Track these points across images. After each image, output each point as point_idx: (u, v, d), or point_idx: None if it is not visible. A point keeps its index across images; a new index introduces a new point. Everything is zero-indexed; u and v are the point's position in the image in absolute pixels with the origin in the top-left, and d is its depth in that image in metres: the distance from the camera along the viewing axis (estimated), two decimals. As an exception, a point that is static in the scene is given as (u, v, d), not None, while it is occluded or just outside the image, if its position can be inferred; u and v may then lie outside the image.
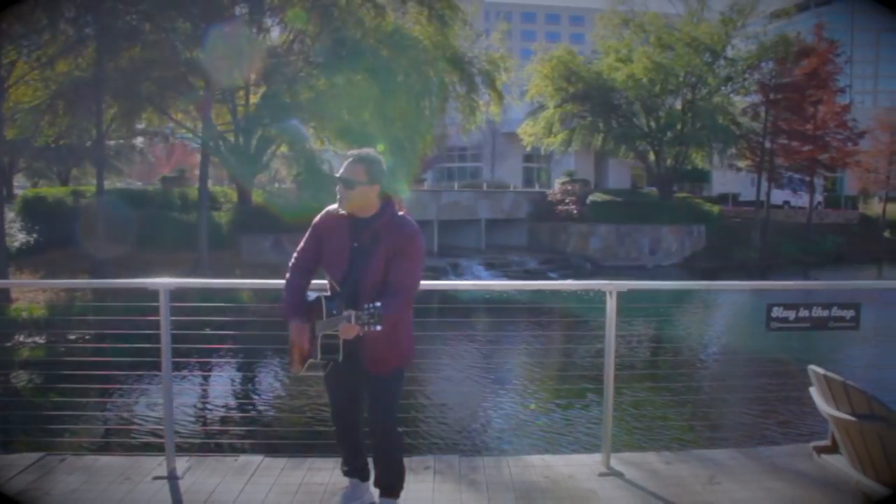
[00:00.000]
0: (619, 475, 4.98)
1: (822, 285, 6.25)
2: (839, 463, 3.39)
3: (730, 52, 41.41)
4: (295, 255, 4.29)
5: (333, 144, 29.13)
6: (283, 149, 28.47)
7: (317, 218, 4.23)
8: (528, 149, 46.50)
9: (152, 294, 5.01)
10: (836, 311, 5.30)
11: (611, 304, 5.05)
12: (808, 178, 45.42)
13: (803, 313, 5.26)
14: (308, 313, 4.11)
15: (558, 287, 6.41)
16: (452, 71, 30.01)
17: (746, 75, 42.03)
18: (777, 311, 5.23)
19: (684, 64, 39.88)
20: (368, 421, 4.13)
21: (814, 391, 3.45)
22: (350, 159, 4.04)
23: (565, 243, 38.16)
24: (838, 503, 4.53)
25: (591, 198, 39.23)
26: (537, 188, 49.08)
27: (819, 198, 50.64)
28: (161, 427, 6.19)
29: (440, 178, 61.11)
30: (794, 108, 42.26)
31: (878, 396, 3.17)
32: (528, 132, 43.10)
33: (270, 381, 12.97)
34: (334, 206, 4.18)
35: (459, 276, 32.34)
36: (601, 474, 5.00)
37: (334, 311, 3.90)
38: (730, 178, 51.01)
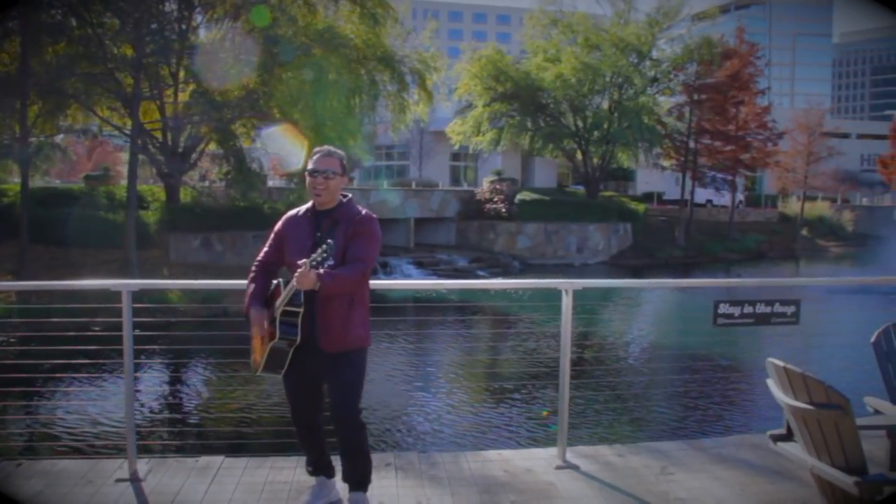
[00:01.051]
0: (576, 468, 5.12)
1: (774, 282, 6.49)
2: (794, 449, 3.57)
3: (655, 54, 42.26)
4: (258, 259, 4.41)
5: (264, 143, 28.84)
6: (213, 147, 28.08)
7: (279, 223, 4.39)
8: (457, 147, 46.74)
9: (103, 295, 4.98)
10: (777, 308, 5.55)
11: (566, 302, 5.19)
12: (730, 178, 46.60)
13: (748, 309, 5.50)
14: (268, 304, 4.22)
15: (515, 286, 6.50)
16: (383, 69, 29.96)
17: (672, 76, 42.96)
18: (723, 308, 5.45)
19: (611, 64, 40.50)
20: (332, 414, 4.18)
21: (771, 382, 3.62)
22: (323, 154, 4.22)
23: (493, 242, 38.33)
24: (784, 489, 4.79)
25: (518, 196, 39.59)
26: (465, 187, 49.36)
27: (740, 197, 52.02)
28: (119, 429, 6.12)
29: (366, 176, 61.03)
30: (717, 108, 43.42)
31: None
32: (456, 131, 43.24)
33: (229, 382, 12.87)
34: (294, 211, 4.36)
35: (389, 275, 32.36)
36: (558, 467, 5.13)
37: None
38: (654, 177, 51.99)
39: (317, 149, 4.27)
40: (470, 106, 43.25)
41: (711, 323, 5.41)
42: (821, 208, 54.43)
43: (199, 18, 27.46)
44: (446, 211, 39.46)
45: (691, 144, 44.53)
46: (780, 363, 3.41)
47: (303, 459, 4.88)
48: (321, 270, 3.78)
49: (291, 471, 4.97)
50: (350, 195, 4.32)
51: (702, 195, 48.55)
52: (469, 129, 42.71)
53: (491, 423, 10.36)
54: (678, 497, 4.68)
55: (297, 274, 3.80)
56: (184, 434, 7.13)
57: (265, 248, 4.39)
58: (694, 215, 45.32)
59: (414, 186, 42.09)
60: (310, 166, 4.18)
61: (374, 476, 4.53)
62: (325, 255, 3.72)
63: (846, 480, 3.15)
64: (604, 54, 41.10)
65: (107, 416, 9.90)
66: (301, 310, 4.04)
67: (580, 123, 42.43)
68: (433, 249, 37.22)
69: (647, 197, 51.01)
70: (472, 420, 10.54)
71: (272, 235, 4.38)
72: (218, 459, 5.15)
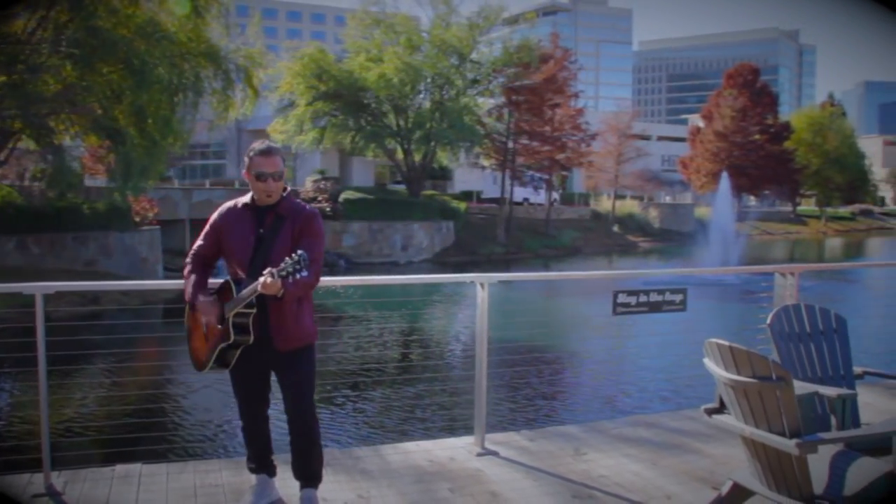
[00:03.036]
0: (495, 454, 5.31)
1: (665, 272, 6.92)
2: (729, 420, 3.92)
3: (476, 56, 43.27)
4: (192, 251, 4.30)
5: (84, 139, 27.41)
6: (28, 143, 26.41)
7: (215, 215, 4.27)
8: (279, 145, 46.04)
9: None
10: (668, 296, 5.97)
11: (482, 295, 5.37)
12: (547, 177, 48.44)
13: (643, 298, 5.88)
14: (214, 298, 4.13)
15: (429, 280, 6.55)
16: (208, 65, 29.15)
17: (491, 78, 44.13)
18: (622, 298, 5.80)
19: (433, 66, 41.18)
20: (288, 410, 4.16)
21: (708, 362, 3.93)
22: (262, 151, 4.11)
23: (320, 240, 38.16)
24: (687, 460, 5.20)
25: (343, 195, 39.58)
26: (288, 186, 48.71)
27: (555, 195, 54.15)
28: (27, 442, 5.75)
29: (181, 175, 59.15)
30: (534, 110, 45.07)
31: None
32: (278, 130, 42.54)
33: (140, 387, 12.32)
34: (232, 202, 4.27)
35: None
36: (479, 454, 5.30)
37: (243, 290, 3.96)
38: (472, 176, 53.27)
39: (256, 146, 4.14)
40: (292, 105, 42.73)
41: (611, 313, 5.74)
42: (630, 206, 57.58)
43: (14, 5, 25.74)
44: (271, 210, 38.79)
45: (510, 144, 45.95)
46: (725, 342, 3.72)
47: (224, 462, 4.81)
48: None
49: (216, 473, 4.87)
50: (288, 186, 4.26)
51: (519, 193, 50.14)
52: (291, 129, 42.15)
53: (392, 416, 10.46)
54: (600, 474, 4.97)
55: (262, 282, 3.71)
56: (92, 443, 6.75)
57: (200, 241, 4.28)
58: (513, 213, 46.77)
59: (237, 185, 41.22)
60: (256, 169, 4.06)
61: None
62: (297, 266, 3.65)
63: (788, 443, 3.50)
64: (425, 55, 41.74)
65: (13, 429, 9.31)
66: (253, 311, 3.98)
67: (402, 123, 42.83)
68: (259, 249, 36.59)
69: (466, 195, 52.13)
70: (373, 415, 10.58)
71: (208, 227, 4.25)
72: (136, 467, 4.96)
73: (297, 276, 3.66)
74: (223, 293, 4.09)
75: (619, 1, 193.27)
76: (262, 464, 4.41)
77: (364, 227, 38.45)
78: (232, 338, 3.96)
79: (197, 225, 35.35)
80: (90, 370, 12.92)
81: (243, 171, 4.16)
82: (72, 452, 5.16)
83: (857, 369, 4.93)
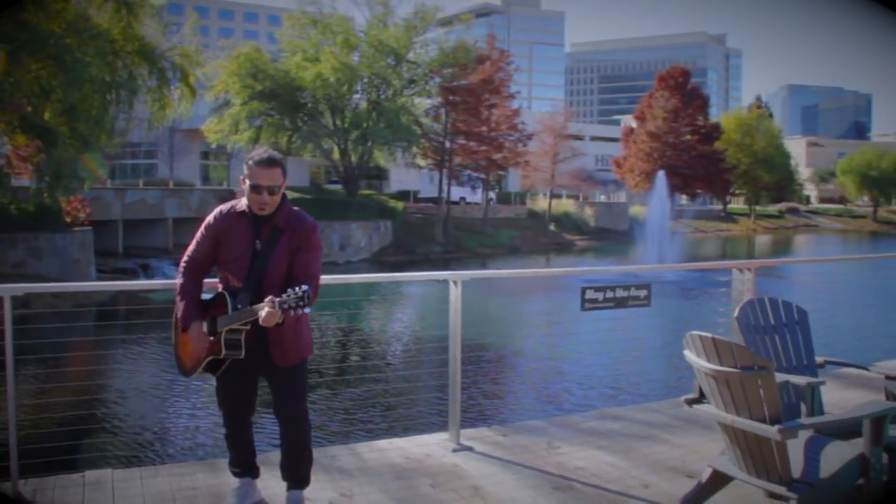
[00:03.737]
0: (470, 449, 5.36)
1: (628, 269, 7.03)
2: (709, 409, 4.04)
3: (413, 57, 43.32)
4: (186, 257, 4.15)
5: (10, 138, 26.67)
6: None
7: (210, 219, 4.13)
8: (214, 145, 45.49)
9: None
10: (633, 292, 6.10)
11: (455, 293, 5.42)
12: (484, 177, 48.71)
13: (609, 294, 5.99)
14: (203, 315, 4.05)
15: (403, 278, 6.59)
16: (142, 63, 28.64)
17: (429, 79, 44.21)
18: (590, 294, 5.90)
19: (370, 66, 41.16)
20: (281, 414, 4.12)
21: (688, 353, 4.04)
22: (264, 163, 3.98)
23: (255, 241, 37.75)
24: (658, 451, 5.32)
25: (280, 196, 39.17)
26: (216, 186, 48.21)
27: (492, 194, 54.50)
28: None
29: (111, 175, 57.80)
30: (471, 111, 45.29)
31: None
32: (212, 129, 42.08)
33: (105, 391, 12.04)
34: (228, 205, 4.15)
35: (151, 277, 31.13)
36: (454, 450, 5.34)
37: (239, 306, 3.88)
38: (408, 176, 53.30)
39: (255, 154, 4.04)
40: (227, 104, 42.22)
41: (579, 308, 5.84)
42: (566, 205, 58.22)
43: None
44: (206, 210, 38.03)
45: (447, 144, 46.11)
46: (708, 335, 3.84)
47: (198, 465, 4.78)
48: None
49: (191, 477, 4.80)
50: (286, 194, 4.15)
51: (456, 193, 50.37)
52: (226, 128, 41.70)
53: (360, 415, 10.44)
54: (576, 466, 5.07)
55: (264, 316, 3.64)
56: (54, 450, 6.56)
57: (195, 246, 4.12)
58: (450, 212, 46.92)
59: (172, 186, 40.58)
60: (251, 180, 3.95)
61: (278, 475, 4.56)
62: (301, 301, 3.59)
63: (770, 429, 3.62)
64: (362, 55, 41.71)
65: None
66: (248, 328, 3.90)
67: (339, 123, 42.67)
68: (195, 251, 36.09)
69: (403, 195, 52.16)
70: (342, 414, 10.54)
71: (204, 231, 4.10)
72: (106, 473, 4.86)
73: (299, 310, 3.61)
74: (217, 305, 3.98)
75: (551, 3, 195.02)
76: (245, 467, 4.36)
77: (302, 226, 38.08)
78: (223, 353, 3.91)
79: (130, 226, 34.79)
80: (46, 374, 12.66)
81: (241, 176, 4.05)
82: (38, 460, 5.02)
83: (818, 359, 5.12)
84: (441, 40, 43.70)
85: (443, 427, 5.77)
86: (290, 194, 31.92)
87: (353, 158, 43.46)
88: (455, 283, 5.42)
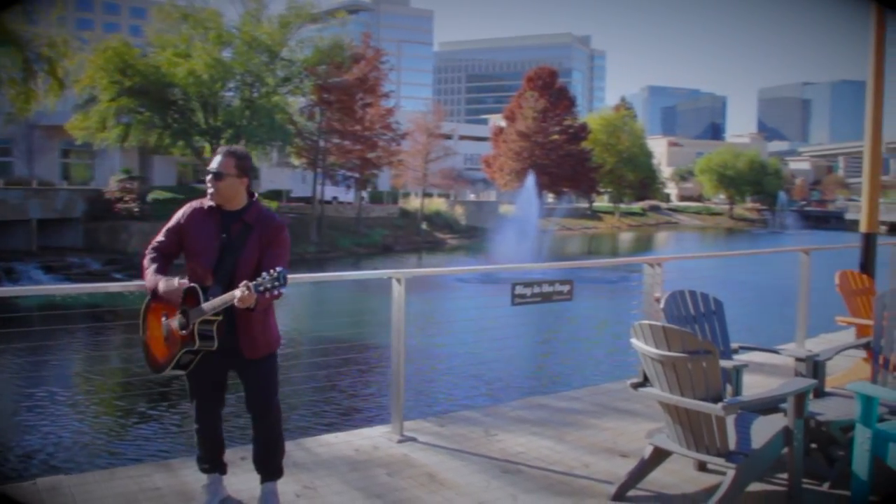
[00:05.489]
0: (414, 440, 5.60)
1: (555, 265, 7.38)
2: (653, 391, 4.43)
3: (287, 54, 42.91)
4: (152, 246, 4.27)
5: None
6: None
7: (178, 213, 4.27)
8: (80, 143, 43.78)
9: None
10: (557, 287, 6.47)
11: (399, 290, 5.65)
12: (358, 176, 48.73)
13: (536, 290, 6.35)
14: (169, 310, 4.14)
15: (347, 277, 6.65)
16: (4, 52, 27.36)
17: (303, 77, 43.87)
18: (519, 289, 6.25)
19: (243, 63, 40.54)
20: (254, 408, 4.24)
21: (636, 342, 4.42)
22: (221, 153, 4.19)
23: (127, 243, 36.60)
24: (588, 434, 5.71)
25: (151, 195, 38.26)
26: (83, 186, 46.46)
27: (364, 194, 54.55)
28: None
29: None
30: (345, 109, 45.17)
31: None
32: (78, 126, 40.32)
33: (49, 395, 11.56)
34: (198, 202, 4.28)
35: (15, 281, 29.92)
36: (400, 441, 5.57)
37: (210, 297, 3.99)
38: (280, 175, 52.75)
39: (220, 147, 4.24)
40: (93, 100, 40.66)
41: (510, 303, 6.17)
42: (437, 204, 58.82)
43: None
44: (73, 211, 36.95)
45: (322, 143, 45.92)
46: (658, 323, 4.22)
47: (151, 466, 4.88)
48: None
49: (148, 478, 4.82)
50: (257, 194, 4.31)
51: (328, 192, 50.11)
52: (93, 125, 40.06)
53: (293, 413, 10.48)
54: (517, 451, 5.40)
55: (239, 296, 3.75)
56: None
57: (161, 238, 4.24)
58: (324, 212, 46.75)
59: (35, 185, 38.90)
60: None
61: (239, 471, 4.69)
62: (277, 282, 3.71)
63: (715, 407, 4.05)
64: (236, 52, 41.02)
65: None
66: (220, 318, 4.01)
67: (212, 121, 41.86)
68: (62, 252, 34.78)
69: (275, 194, 51.50)
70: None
71: (171, 224, 4.24)
72: (58, 479, 4.82)
73: (275, 292, 3.75)
74: (188, 298, 4.06)
75: (420, 2, 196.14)
76: (215, 463, 4.46)
77: (174, 227, 37.21)
78: (197, 344, 4.00)
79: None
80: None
81: None
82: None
83: (732, 345, 5.64)
84: (316, 38, 43.42)
85: (377, 421, 5.98)
86: (162, 193, 31.25)
87: (226, 157, 42.59)
88: (398, 280, 5.65)
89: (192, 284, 4.07)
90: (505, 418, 6.23)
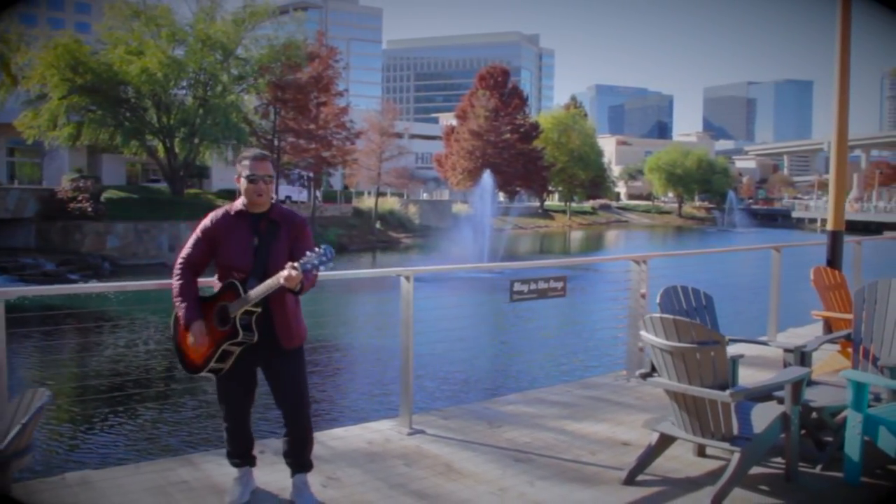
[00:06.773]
0: (423, 432, 5.83)
1: (541, 263, 7.62)
2: (661, 381, 4.70)
3: (242, 52, 42.68)
4: (182, 258, 4.37)
5: None
6: None
7: (206, 221, 4.39)
8: (30, 141, 43.03)
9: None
10: (552, 283, 6.74)
11: (407, 287, 5.87)
12: (313, 175, 48.68)
13: (532, 286, 6.62)
14: (205, 309, 4.30)
15: (357, 276, 6.79)
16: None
17: (258, 76, 43.65)
18: (517, 286, 6.51)
19: (197, 61, 40.24)
20: (287, 401, 4.37)
21: (645, 334, 4.69)
22: (257, 158, 4.34)
23: (80, 243, 36.09)
24: (587, 425, 5.99)
25: (105, 195, 37.80)
26: (35, 185, 45.71)
27: (317, 193, 54.50)
28: None
29: None
30: (300, 108, 45.14)
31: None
32: (27, 124, 39.63)
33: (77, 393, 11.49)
34: (222, 210, 4.44)
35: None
36: (409, 434, 5.79)
37: (249, 289, 4.15)
38: (232, 174, 52.18)
39: (247, 153, 4.38)
40: (43, 97, 40.00)
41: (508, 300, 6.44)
42: (391, 203, 58.80)
43: None
44: (24, 211, 36.35)
45: (276, 142, 45.78)
46: (669, 316, 4.50)
47: (172, 461, 5.05)
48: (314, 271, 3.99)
49: (174, 472, 4.96)
50: (273, 195, 4.48)
51: (282, 192, 49.97)
52: (44, 123, 39.42)
53: None
54: (525, 441, 5.66)
55: (286, 275, 3.93)
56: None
57: (189, 249, 4.35)
58: (278, 211, 46.52)
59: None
60: (246, 172, 4.28)
61: (263, 463, 4.86)
62: (324, 258, 3.94)
63: (722, 394, 4.35)
64: (189, 50, 40.69)
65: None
66: (259, 310, 4.17)
67: (165, 119, 41.48)
68: (14, 253, 34.21)
69: (228, 193, 51.16)
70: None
71: (199, 235, 4.34)
72: (86, 473, 4.94)
73: (322, 267, 3.98)
74: (226, 294, 4.23)
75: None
76: (245, 458, 4.64)
77: (129, 227, 36.84)
78: (240, 335, 4.14)
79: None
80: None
81: (235, 177, 4.40)
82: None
83: (723, 338, 5.96)
84: (271, 37, 43.25)
85: (375, 416, 6.17)
86: (116, 193, 30.89)
87: (180, 156, 42.35)
88: (406, 278, 5.88)
89: (231, 280, 4.24)
90: (504, 412, 6.48)
